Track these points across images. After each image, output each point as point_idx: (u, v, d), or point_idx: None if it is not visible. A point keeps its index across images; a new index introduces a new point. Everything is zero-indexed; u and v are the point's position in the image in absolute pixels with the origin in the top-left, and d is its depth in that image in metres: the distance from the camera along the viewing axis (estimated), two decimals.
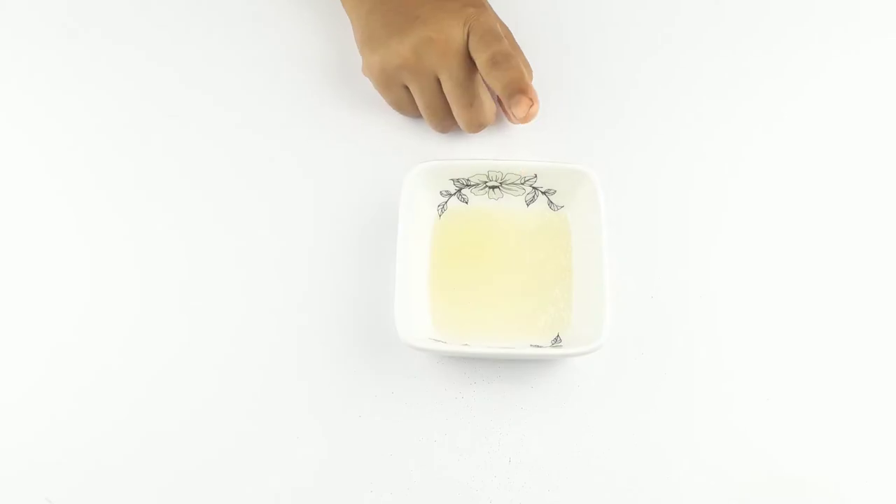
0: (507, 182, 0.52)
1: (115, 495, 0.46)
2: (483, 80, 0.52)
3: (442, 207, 0.52)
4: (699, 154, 0.56)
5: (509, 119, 0.52)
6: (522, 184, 0.52)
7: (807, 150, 0.56)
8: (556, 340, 0.48)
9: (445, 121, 0.54)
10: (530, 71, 0.55)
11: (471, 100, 0.52)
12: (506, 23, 0.56)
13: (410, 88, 0.53)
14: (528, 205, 0.52)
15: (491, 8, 0.55)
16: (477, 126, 0.53)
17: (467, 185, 0.52)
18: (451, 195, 0.52)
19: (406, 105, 0.55)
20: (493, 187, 0.52)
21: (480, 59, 0.50)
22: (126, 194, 0.54)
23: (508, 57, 0.50)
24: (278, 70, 0.58)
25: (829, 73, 0.59)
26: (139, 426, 0.47)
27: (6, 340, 0.50)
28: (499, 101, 0.53)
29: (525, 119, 0.49)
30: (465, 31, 0.51)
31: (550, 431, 0.47)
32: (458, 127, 0.54)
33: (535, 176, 0.51)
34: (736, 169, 0.55)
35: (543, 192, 0.52)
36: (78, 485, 0.46)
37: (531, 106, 0.49)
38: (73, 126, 0.57)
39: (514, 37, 0.56)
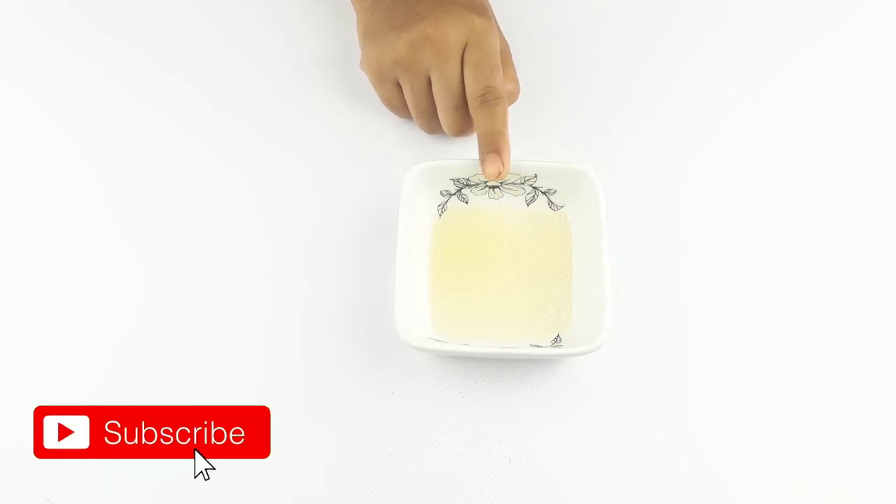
0: (507, 182, 0.52)
1: (115, 495, 0.46)
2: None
3: (442, 207, 0.52)
4: (700, 154, 0.55)
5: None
6: (522, 184, 0.52)
7: (808, 152, 0.56)
8: (557, 340, 0.48)
9: (433, 121, 0.54)
10: (517, 88, 0.55)
11: (456, 103, 0.52)
12: (508, 22, 0.56)
13: (402, 86, 0.53)
14: (528, 205, 0.52)
15: (495, 21, 0.54)
16: (458, 131, 0.53)
17: (467, 185, 0.52)
18: (451, 195, 0.52)
19: (397, 103, 0.55)
20: (493, 187, 0.52)
21: (471, 88, 0.50)
22: (125, 196, 0.54)
23: (498, 99, 0.50)
24: (278, 70, 0.58)
25: (831, 75, 0.59)
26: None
27: (6, 340, 0.50)
28: None
29: (491, 179, 0.50)
30: (465, 40, 0.51)
31: (550, 431, 0.47)
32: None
33: (535, 176, 0.51)
34: (736, 169, 0.55)
35: (543, 192, 0.52)
36: (78, 485, 0.46)
37: (500, 171, 0.50)
38: (73, 127, 0.56)
39: (514, 44, 0.56)
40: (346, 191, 0.54)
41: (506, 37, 0.56)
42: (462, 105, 0.52)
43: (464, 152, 0.55)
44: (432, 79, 0.52)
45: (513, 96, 0.54)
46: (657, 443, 0.47)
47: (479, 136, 0.50)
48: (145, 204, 0.54)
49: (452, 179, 0.52)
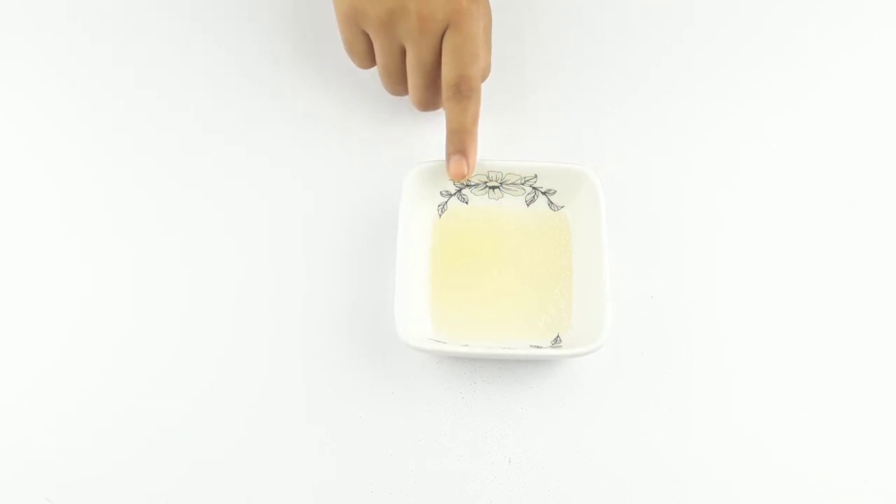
0: (507, 182, 0.52)
1: (115, 495, 0.46)
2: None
3: (442, 207, 0.52)
4: (700, 154, 0.55)
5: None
6: (522, 184, 0.52)
7: (809, 152, 0.56)
8: (556, 341, 0.48)
9: (399, 86, 0.53)
10: (488, 69, 0.54)
11: (429, 83, 0.51)
12: (506, 22, 0.56)
13: (372, 41, 0.51)
14: (528, 205, 0.52)
15: (485, 3, 0.52)
16: (425, 106, 0.53)
17: (467, 185, 0.52)
18: (451, 195, 0.52)
19: (359, 51, 0.52)
20: (493, 187, 0.52)
21: (446, 74, 0.49)
22: (125, 196, 0.54)
23: (472, 92, 0.49)
24: (278, 70, 0.58)
25: (832, 76, 0.59)
26: (139, 427, 0.47)
27: (6, 341, 0.50)
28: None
29: (455, 179, 0.50)
30: (448, 21, 0.49)
31: (550, 431, 0.47)
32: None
33: (535, 176, 0.51)
34: (736, 169, 0.55)
35: (543, 192, 0.52)
36: (78, 485, 0.46)
37: (464, 173, 0.49)
38: (73, 128, 0.57)
39: (513, 46, 0.55)
40: (346, 191, 0.54)
41: (502, 35, 0.56)
42: (434, 84, 0.51)
43: None
44: (407, 52, 0.50)
45: (483, 75, 0.53)
46: (657, 443, 0.47)
47: (447, 131, 0.49)
48: (145, 204, 0.54)
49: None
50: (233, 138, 0.56)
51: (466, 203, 0.52)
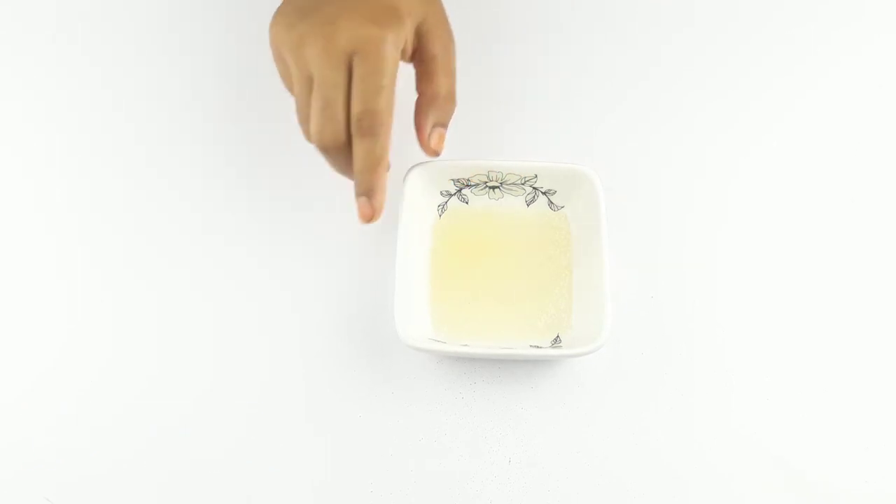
0: (508, 182, 0.52)
1: (115, 495, 0.46)
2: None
3: (442, 207, 0.52)
4: (700, 154, 0.55)
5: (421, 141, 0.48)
6: (522, 184, 0.52)
7: (808, 151, 0.56)
8: (556, 341, 0.48)
9: (306, 124, 0.47)
10: (452, 101, 0.49)
11: (331, 115, 0.44)
12: (506, 22, 0.56)
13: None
14: (528, 205, 0.52)
15: (408, 28, 0.46)
16: (320, 140, 0.45)
17: (467, 186, 0.52)
18: (451, 195, 0.52)
19: (289, 84, 0.48)
20: (493, 187, 0.52)
21: (352, 108, 0.44)
22: (123, 196, 0.54)
23: (376, 128, 0.44)
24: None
25: (832, 76, 0.59)
26: (139, 426, 0.47)
27: (6, 341, 0.50)
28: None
29: (363, 222, 0.45)
30: (353, 48, 0.44)
31: (550, 431, 0.47)
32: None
33: (535, 176, 0.51)
34: (737, 169, 0.55)
35: (543, 193, 0.52)
36: (78, 485, 0.46)
37: (371, 217, 0.44)
38: (73, 127, 0.56)
39: (515, 45, 0.54)
40: (346, 191, 0.54)
41: (503, 35, 0.55)
42: (335, 119, 0.45)
43: (464, 152, 0.55)
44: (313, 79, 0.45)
45: (443, 110, 0.48)
46: (657, 443, 0.47)
47: (354, 171, 0.45)
48: (145, 204, 0.54)
49: (452, 180, 0.51)
50: (232, 138, 0.56)
51: (466, 203, 0.52)
